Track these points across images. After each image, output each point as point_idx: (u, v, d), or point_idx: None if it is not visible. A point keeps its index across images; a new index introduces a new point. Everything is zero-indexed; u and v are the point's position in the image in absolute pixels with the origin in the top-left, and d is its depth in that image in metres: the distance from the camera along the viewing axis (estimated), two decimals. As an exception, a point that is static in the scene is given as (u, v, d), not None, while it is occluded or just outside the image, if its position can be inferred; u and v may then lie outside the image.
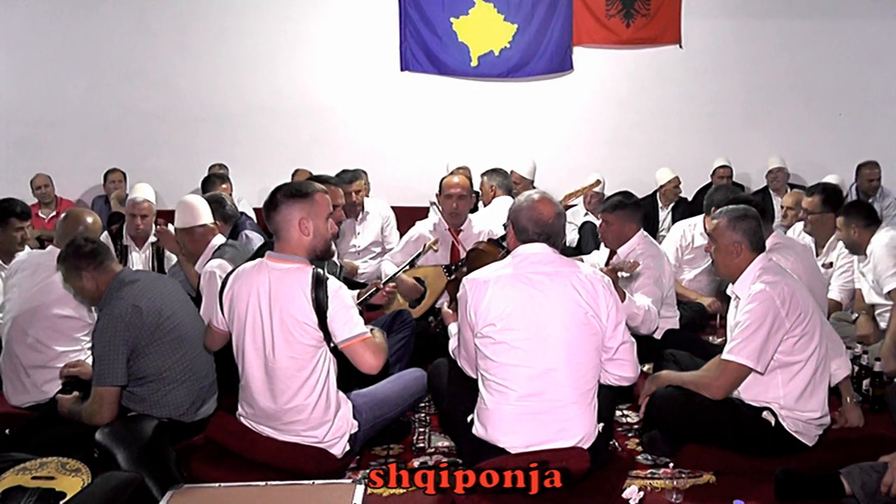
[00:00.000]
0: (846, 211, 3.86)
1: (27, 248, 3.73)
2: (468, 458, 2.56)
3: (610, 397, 2.69)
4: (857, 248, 3.85)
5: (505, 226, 2.86)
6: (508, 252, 2.64)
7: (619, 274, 3.22)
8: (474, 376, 2.59)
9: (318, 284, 2.47)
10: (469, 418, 2.56)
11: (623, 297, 3.28)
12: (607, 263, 3.58)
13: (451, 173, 4.45)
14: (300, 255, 2.54)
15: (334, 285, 2.51)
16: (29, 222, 3.84)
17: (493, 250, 3.46)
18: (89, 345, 3.15)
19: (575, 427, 2.40)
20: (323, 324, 2.47)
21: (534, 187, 5.74)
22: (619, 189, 4.21)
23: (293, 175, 6.36)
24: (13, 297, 3.24)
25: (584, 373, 2.43)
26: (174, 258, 4.06)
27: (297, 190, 2.56)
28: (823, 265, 4.23)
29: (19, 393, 3.15)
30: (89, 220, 3.40)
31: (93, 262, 2.79)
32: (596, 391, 2.49)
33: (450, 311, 3.08)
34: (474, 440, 2.49)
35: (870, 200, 5.99)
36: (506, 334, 2.41)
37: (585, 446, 2.40)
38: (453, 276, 3.81)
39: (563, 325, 2.40)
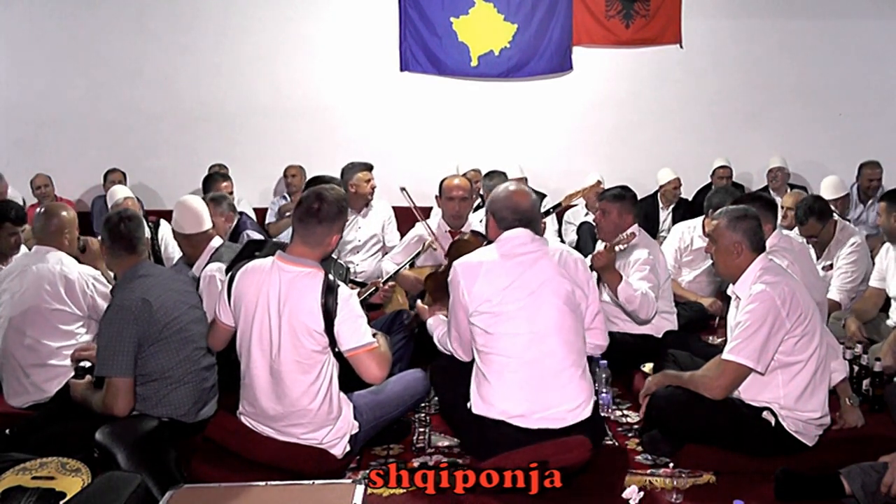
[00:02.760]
0: (891, 198, 3.80)
1: (24, 248, 3.71)
2: (473, 444, 2.62)
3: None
4: None
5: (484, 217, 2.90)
6: (491, 242, 2.73)
7: (617, 248, 3.30)
8: (468, 359, 2.67)
9: (329, 291, 2.48)
10: (469, 404, 2.59)
11: (619, 280, 3.33)
12: None
13: (454, 175, 4.44)
14: (316, 259, 2.56)
15: (345, 293, 2.52)
16: (24, 227, 3.81)
17: (476, 241, 3.48)
18: (84, 337, 3.17)
19: (573, 391, 2.50)
20: (329, 329, 2.48)
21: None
22: (619, 190, 4.22)
23: (285, 171, 6.37)
24: (5, 300, 3.22)
25: (573, 339, 2.55)
26: (174, 257, 4.05)
27: (341, 207, 2.59)
28: (824, 268, 4.22)
29: (19, 394, 3.14)
30: (64, 213, 3.37)
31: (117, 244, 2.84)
32: (586, 362, 2.61)
33: (424, 306, 3.14)
34: (477, 420, 2.53)
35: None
36: (502, 306, 2.51)
37: (584, 413, 2.49)
38: (438, 271, 3.80)
39: (554, 293, 2.53)
